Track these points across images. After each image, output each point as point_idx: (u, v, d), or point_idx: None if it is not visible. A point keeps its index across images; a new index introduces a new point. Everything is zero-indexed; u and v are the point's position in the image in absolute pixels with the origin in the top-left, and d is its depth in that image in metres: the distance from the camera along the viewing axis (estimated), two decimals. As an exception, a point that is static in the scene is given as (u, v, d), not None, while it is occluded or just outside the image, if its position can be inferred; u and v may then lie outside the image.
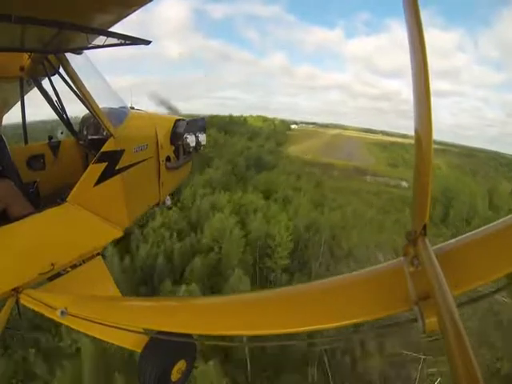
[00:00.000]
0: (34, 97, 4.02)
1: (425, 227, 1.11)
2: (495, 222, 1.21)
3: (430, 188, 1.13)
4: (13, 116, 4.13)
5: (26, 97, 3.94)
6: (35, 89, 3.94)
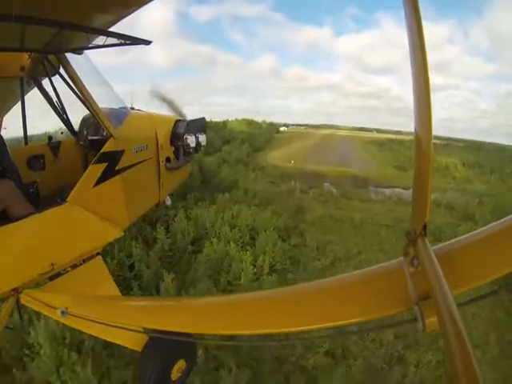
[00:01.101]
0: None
1: (425, 227, 1.11)
2: (495, 223, 1.21)
3: (431, 187, 1.13)
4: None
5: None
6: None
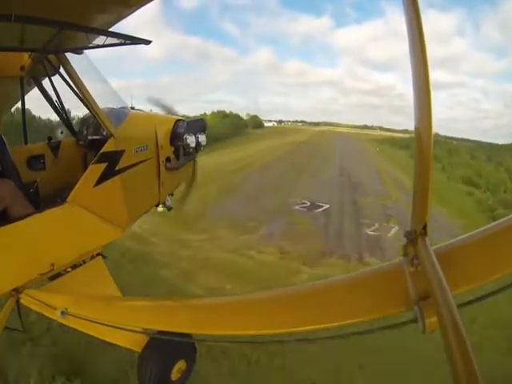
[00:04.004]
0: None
1: (425, 227, 1.11)
2: (496, 222, 1.21)
3: (431, 186, 1.13)
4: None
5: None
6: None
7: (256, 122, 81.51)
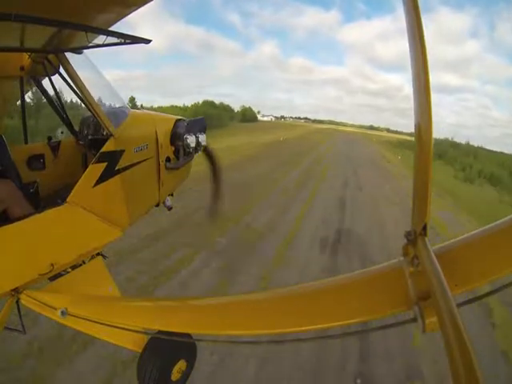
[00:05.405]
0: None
1: (425, 227, 1.11)
2: (496, 222, 1.21)
3: (431, 186, 1.12)
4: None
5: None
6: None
7: (246, 115, 73.54)
